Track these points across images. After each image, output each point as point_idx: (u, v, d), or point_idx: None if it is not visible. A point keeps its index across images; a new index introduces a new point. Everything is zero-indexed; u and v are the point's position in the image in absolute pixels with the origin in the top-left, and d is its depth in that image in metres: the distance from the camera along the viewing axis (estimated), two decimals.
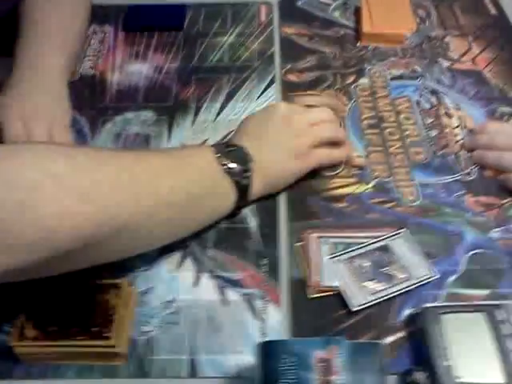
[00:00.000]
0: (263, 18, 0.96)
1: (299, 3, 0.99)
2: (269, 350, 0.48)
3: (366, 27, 0.91)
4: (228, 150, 0.63)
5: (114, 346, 0.53)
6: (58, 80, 0.78)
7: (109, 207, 0.49)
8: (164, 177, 0.57)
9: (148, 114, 0.80)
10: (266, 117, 0.69)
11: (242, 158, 0.63)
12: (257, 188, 0.64)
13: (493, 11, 0.97)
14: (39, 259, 0.45)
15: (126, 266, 0.61)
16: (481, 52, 0.90)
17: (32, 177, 0.45)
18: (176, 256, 0.63)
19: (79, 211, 0.46)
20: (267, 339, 0.51)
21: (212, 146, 0.64)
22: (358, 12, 0.96)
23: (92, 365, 0.55)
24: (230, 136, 0.73)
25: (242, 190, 0.63)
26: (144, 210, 0.53)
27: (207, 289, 0.60)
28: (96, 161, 0.52)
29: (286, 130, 0.67)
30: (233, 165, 0.61)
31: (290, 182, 0.68)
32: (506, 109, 0.80)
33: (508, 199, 0.68)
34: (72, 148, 0.59)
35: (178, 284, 0.61)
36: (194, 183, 0.59)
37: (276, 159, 0.66)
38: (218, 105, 0.81)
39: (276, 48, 0.91)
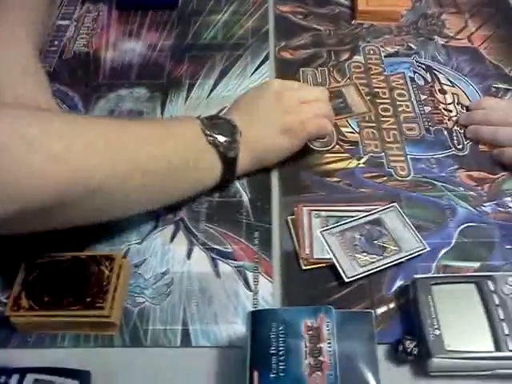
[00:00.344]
0: None
1: None
2: (258, 319, 0.48)
3: (362, 5, 0.91)
4: (215, 121, 0.63)
5: (107, 316, 0.54)
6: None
7: (82, 168, 0.50)
8: (145, 144, 0.56)
9: (141, 91, 0.80)
10: (258, 94, 0.68)
11: (229, 129, 0.63)
12: (244, 162, 0.64)
13: None
14: (14, 211, 0.46)
15: (120, 238, 0.62)
16: (477, 29, 0.90)
17: (4, 139, 0.46)
18: (169, 229, 0.63)
19: (51, 171, 0.48)
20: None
21: (200, 118, 0.64)
22: None
23: (88, 334, 0.55)
24: (222, 112, 0.73)
25: (229, 163, 0.63)
26: (119, 174, 0.53)
27: (200, 261, 0.61)
28: (73, 126, 0.52)
29: (277, 107, 0.66)
30: (219, 136, 0.61)
31: (280, 157, 0.68)
32: (501, 85, 0.80)
33: (500, 174, 0.68)
34: (51, 113, 0.58)
35: (171, 256, 0.61)
36: (177, 154, 0.59)
37: (265, 134, 0.65)
38: (211, 82, 0.81)
39: (270, 26, 0.91)
